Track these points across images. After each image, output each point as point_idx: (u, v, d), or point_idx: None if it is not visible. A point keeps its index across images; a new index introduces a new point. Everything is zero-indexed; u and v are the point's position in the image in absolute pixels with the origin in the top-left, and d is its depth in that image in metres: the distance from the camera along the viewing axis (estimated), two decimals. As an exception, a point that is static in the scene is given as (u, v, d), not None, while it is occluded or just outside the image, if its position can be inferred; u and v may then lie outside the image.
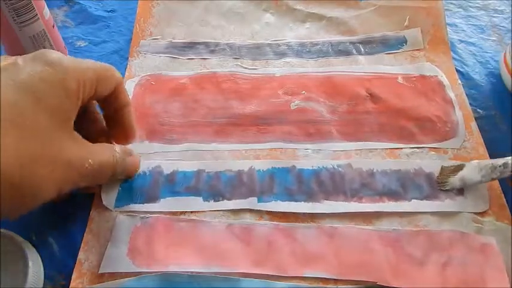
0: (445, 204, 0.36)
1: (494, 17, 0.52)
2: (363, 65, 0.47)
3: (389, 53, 0.48)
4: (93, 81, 0.31)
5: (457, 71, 0.46)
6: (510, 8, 0.52)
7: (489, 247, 0.34)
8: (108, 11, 0.54)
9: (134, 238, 0.34)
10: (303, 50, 0.48)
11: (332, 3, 0.52)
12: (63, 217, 0.36)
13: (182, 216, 0.36)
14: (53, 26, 0.45)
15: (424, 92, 0.44)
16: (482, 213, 0.35)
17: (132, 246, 0.34)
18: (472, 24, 0.51)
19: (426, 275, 0.32)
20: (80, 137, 0.31)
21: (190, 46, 0.49)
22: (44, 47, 0.44)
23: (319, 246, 0.34)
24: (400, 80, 0.45)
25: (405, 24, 0.50)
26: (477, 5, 0.53)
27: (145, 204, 0.36)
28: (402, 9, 0.51)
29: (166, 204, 0.37)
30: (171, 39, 0.50)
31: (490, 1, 0.54)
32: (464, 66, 0.47)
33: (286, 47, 0.49)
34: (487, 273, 0.32)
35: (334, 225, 0.35)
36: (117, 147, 0.35)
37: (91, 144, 0.32)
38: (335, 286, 0.32)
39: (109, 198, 0.37)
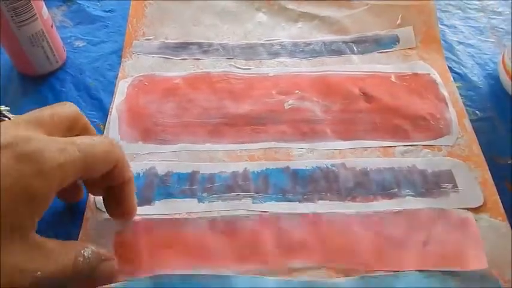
0: (439, 201, 0.36)
1: (492, 18, 0.52)
2: (356, 64, 0.47)
3: (382, 52, 0.48)
4: (80, 169, 0.27)
5: (455, 72, 0.46)
6: (508, 10, 0.52)
7: (467, 221, 0.34)
8: (107, 11, 0.54)
9: (117, 244, 0.34)
10: (296, 50, 0.49)
11: (324, 3, 0.53)
12: (60, 216, 0.36)
13: (176, 216, 0.36)
14: (52, 26, 0.45)
15: (417, 90, 0.44)
16: (476, 210, 0.35)
17: (116, 253, 0.34)
18: (471, 26, 0.51)
19: (408, 255, 0.33)
20: (36, 242, 0.26)
21: (184, 46, 0.49)
22: (43, 47, 0.44)
23: (303, 234, 0.34)
24: (393, 78, 0.45)
25: (397, 22, 0.50)
26: (476, 6, 0.54)
27: (140, 206, 0.36)
28: (394, 8, 0.51)
29: (160, 206, 0.36)
30: (164, 39, 0.50)
31: (489, 2, 0.54)
32: (462, 68, 0.47)
33: (279, 47, 0.49)
34: (466, 249, 0.33)
35: (317, 212, 0.36)
36: (89, 250, 0.29)
37: (49, 248, 0.27)
38: (327, 280, 0.32)
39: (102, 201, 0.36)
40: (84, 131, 0.32)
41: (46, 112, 0.29)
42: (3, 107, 0.32)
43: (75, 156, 0.27)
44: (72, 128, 0.31)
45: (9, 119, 0.32)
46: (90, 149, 0.28)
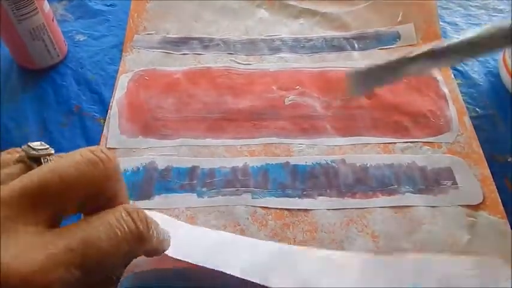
0: (438, 197, 0.36)
1: (493, 16, 0.52)
2: (357, 61, 0.47)
3: (382, 49, 0.48)
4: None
5: (456, 69, 0.46)
6: (509, 7, 0.52)
7: None
8: (108, 5, 0.54)
9: None
10: (297, 46, 0.48)
11: (325, -1, 0.53)
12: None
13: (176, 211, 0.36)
14: (53, 20, 0.45)
15: (418, 87, 0.44)
16: (475, 208, 0.36)
17: None
18: (472, 23, 0.51)
19: None
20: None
21: (184, 41, 0.49)
22: (43, 40, 0.44)
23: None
24: (393, 75, 0.45)
25: (398, 19, 0.50)
26: (477, 4, 0.53)
27: (139, 201, 0.36)
28: (395, 4, 0.51)
29: (160, 201, 0.37)
30: (165, 34, 0.50)
31: (490, 0, 0.54)
32: (463, 65, 0.46)
33: (280, 43, 0.49)
34: None
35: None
36: (127, 209, 0.23)
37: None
38: None
39: None
40: (110, 203, 0.23)
41: (54, 175, 0.21)
42: (37, 144, 0.24)
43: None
44: (93, 198, 0.22)
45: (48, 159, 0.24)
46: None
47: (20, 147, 0.24)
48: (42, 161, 0.23)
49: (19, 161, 0.23)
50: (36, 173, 0.21)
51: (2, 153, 0.24)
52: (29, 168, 0.22)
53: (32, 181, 0.20)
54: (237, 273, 0.30)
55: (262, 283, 0.29)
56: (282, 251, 0.32)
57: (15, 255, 0.18)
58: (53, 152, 0.24)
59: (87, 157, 0.22)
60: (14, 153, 0.24)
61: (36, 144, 0.23)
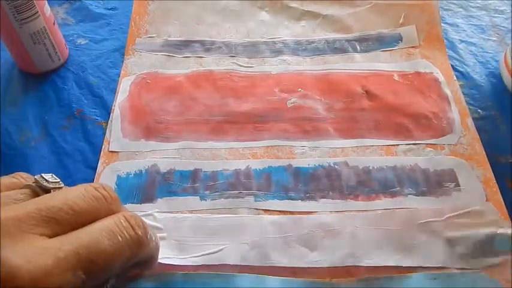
0: (441, 200, 0.36)
1: (494, 17, 0.52)
2: (359, 63, 0.47)
3: (384, 51, 0.48)
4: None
5: (458, 71, 0.46)
6: (510, 8, 0.52)
7: None
8: (109, 9, 0.54)
9: None
10: (299, 48, 0.48)
11: (327, 1, 0.52)
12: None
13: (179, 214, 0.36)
14: (54, 24, 0.45)
15: (420, 88, 0.44)
16: (478, 209, 0.36)
17: None
18: (473, 24, 0.51)
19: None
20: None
21: (186, 44, 0.49)
22: (45, 44, 0.44)
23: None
24: (395, 77, 0.45)
25: (400, 21, 0.50)
26: (478, 5, 0.53)
27: (142, 204, 0.36)
28: (397, 6, 0.51)
29: (163, 204, 0.36)
30: (167, 37, 0.50)
31: (491, 1, 0.53)
32: (464, 66, 0.46)
33: (282, 45, 0.49)
34: None
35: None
36: (126, 215, 0.25)
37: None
38: (328, 280, 0.32)
39: None
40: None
41: (66, 205, 0.23)
42: (49, 177, 0.26)
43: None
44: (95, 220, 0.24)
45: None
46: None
47: (18, 171, 0.26)
48: (52, 191, 0.25)
49: (26, 186, 0.25)
50: (51, 199, 0.23)
51: (5, 176, 0.25)
52: (36, 195, 0.24)
53: (46, 205, 0.22)
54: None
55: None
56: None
57: (26, 258, 0.20)
58: (62, 186, 0.26)
59: (92, 193, 0.24)
60: (18, 178, 0.25)
61: (48, 176, 0.26)
